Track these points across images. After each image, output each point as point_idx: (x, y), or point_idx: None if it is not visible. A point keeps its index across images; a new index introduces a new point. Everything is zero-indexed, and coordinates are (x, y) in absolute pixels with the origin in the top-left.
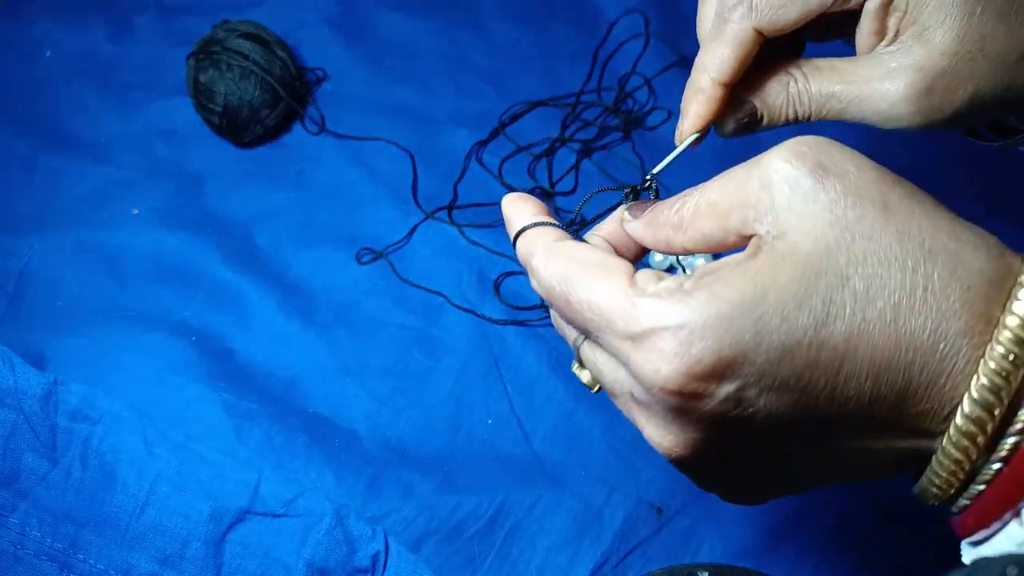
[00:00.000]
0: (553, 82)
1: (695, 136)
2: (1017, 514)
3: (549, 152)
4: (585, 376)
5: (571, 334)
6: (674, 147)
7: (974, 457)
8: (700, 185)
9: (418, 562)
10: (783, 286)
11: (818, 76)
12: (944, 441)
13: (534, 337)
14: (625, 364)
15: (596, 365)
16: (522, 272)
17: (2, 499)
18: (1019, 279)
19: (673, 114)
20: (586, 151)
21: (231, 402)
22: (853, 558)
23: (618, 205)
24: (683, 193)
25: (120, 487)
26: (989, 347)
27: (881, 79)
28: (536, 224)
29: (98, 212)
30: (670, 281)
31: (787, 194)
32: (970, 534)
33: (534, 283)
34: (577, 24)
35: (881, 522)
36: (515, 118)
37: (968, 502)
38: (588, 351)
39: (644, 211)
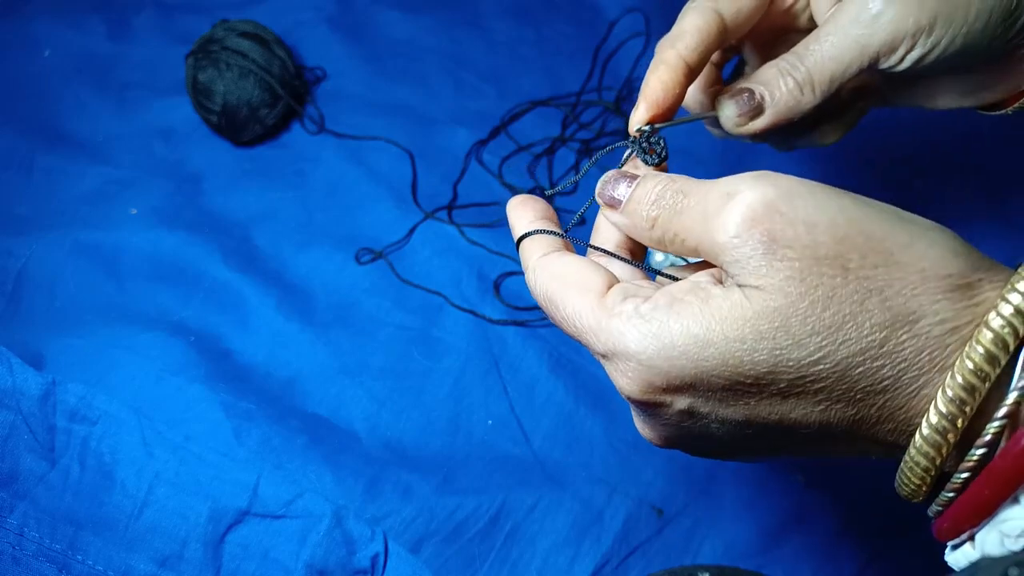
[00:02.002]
0: (553, 81)
1: (649, 126)
2: (971, 537)
3: (549, 151)
4: None
5: None
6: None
7: (934, 473)
8: (671, 204)
9: (418, 563)
10: (730, 340)
11: (801, 43)
12: (906, 456)
13: (534, 337)
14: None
15: None
16: (522, 272)
17: (1, 500)
18: (985, 319)
19: None
20: (586, 150)
21: (230, 402)
22: (854, 559)
23: (626, 162)
24: (657, 207)
25: (119, 488)
26: (940, 390)
27: None
28: (532, 233)
29: (96, 212)
30: (630, 304)
31: (741, 265)
32: (947, 539)
33: (531, 293)
34: (577, 23)
35: (882, 522)
36: (515, 117)
37: (940, 508)
38: None
39: (616, 199)
